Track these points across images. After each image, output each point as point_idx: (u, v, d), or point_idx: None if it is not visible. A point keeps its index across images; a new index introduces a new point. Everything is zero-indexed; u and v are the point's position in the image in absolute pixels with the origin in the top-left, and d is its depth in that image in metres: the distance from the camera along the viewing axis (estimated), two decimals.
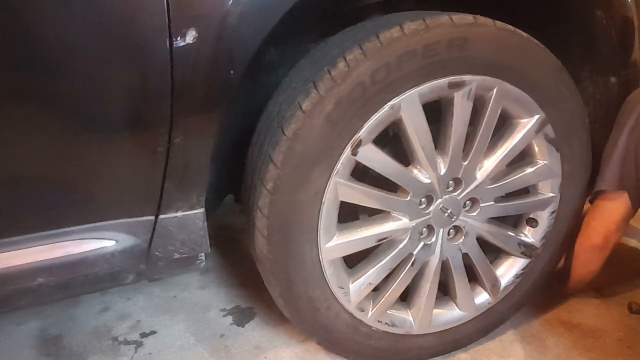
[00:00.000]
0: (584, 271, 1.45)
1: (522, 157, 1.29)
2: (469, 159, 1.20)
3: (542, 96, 1.22)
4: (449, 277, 1.33)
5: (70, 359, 1.41)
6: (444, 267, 1.30)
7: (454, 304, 1.36)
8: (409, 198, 1.19)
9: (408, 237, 1.22)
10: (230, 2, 0.96)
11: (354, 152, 1.10)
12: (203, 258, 1.16)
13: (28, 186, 0.98)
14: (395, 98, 1.09)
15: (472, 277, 1.35)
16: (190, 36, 0.94)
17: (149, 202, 1.07)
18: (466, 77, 1.13)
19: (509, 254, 1.38)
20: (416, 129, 1.13)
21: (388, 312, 1.30)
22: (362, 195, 1.16)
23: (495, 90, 1.17)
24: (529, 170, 1.29)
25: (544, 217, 1.35)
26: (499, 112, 1.20)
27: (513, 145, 1.24)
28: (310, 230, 1.14)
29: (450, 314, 1.36)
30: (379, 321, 1.29)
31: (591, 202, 1.41)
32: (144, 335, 1.49)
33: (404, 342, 1.34)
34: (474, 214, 1.27)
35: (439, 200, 1.22)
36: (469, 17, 1.12)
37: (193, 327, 1.52)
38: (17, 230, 1.00)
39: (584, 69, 1.42)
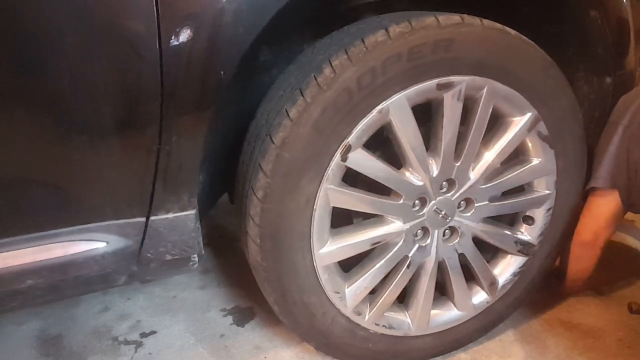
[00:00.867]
0: (576, 268, 1.45)
1: (516, 156, 1.28)
2: (461, 159, 1.19)
3: (533, 94, 1.21)
4: (446, 277, 1.32)
5: (70, 359, 1.41)
6: (441, 268, 1.29)
7: (452, 304, 1.36)
8: (402, 201, 1.18)
9: (403, 239, 1.21)
10: (220, 1, 0.96)
11: (344, 158, 1.10)
12: (196, 259, 1.15)
13: (17, 188, 0.98)
14: (383, 102, 1.08)
15: (470, 276, 1.35)
16: (180, 36, 0.93)
17: (139, 203, 1.06)
18: (455, 78, 1.12)
19: (506, 253, 1.37)
20: (406, 132, 1.12)
21: (385, 314, 1.30)
22: (354, 200, 1.15)
23: (485, 89, 1.16)
24: (523, 168, 1.28)
25: (540, 215, 1.35)
26: (490, 111, 1.19)
27: (506, 144, 1.23)
28: (303, 237, 1.13)
29: (449, 314, 1.36)
30: (376, 324, 1.29)
31: (583, 199, 1.40)
32: (144, 335, 1.50)
33: (402, 344, 1.34)
34: (469, 214, 1.26)
35: (433, 202, 1.21)
36: (455, 17, 1.10)
37: (193, 327, 1.52)
38: (6, 232, 1.00)
39: (579, 69, 1.40)
